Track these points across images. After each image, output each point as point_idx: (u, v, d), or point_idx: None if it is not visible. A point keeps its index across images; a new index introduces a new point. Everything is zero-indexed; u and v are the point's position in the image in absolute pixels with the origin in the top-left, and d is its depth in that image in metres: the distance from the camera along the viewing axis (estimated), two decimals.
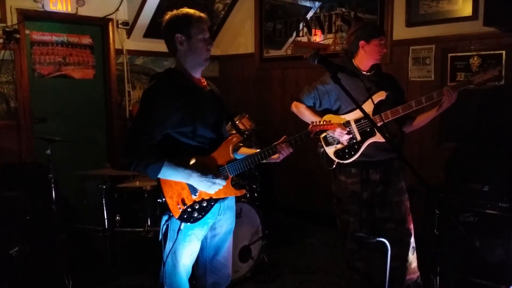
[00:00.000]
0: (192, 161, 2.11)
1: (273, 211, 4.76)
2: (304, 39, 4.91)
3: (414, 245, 2.90)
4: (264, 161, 2.26)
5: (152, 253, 2.41)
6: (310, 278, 3.57)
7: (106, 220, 3.50)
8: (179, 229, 2.13)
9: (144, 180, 3.65)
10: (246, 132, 3.87)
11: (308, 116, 2.93)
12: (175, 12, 2.16)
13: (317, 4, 4.76)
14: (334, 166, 2.88)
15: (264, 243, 3.58)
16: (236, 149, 2.33)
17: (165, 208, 2.14)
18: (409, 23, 4.01)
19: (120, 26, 4.78)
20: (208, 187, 2.09)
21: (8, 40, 4.04)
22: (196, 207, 2.15)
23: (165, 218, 2.18)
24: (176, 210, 2.13)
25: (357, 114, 2.75)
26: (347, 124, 2.78)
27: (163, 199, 2.13)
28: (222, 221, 2.32)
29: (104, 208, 3.50)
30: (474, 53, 3.62)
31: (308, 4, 4.86)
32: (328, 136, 2.83)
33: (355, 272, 2.97)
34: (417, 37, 3.96)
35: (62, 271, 3.26)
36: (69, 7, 4.39)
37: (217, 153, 2.19)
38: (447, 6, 3.75)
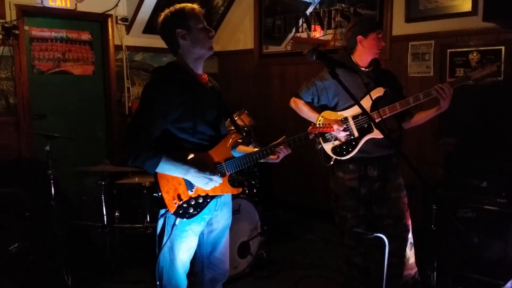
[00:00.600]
0: (190, 157, 2.11)
1: (272, 207, 4.77)
2: (304, 35, 4.90)
3: (412, 241, 2.90)
4: (262, 160, 2.26)
5: (152, 249, 2.41)
6: (309, 274, 3.59)
7: (105, 216, 3.51)
8: (174, 224, 2.13)
9: (143, 176, 3.66)
10: (245, 129, 3.87)
11: (306, 112, 2.93)
12: (167, 10, 2.16)
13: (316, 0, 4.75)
14: (331, 162, 2.88)
15: (263, 239, 3.59)
16: (234, 147, 2.33)
17: (161, 203, 2.14)
18: (409, 19, 4.00)
19: (119, 22, 4.77)
20: (204, 183, 2.09)
21: (7, 36, 4.04)
22: (192, 203, 2.15)
23: (161, 212, 2.18)
24: (172, 205, 2.13)
25: (355, 110, 2.75)
26: (344, 120, 2.77)
27: (159, 194, 2.13)
28: (219, 217, 2.33)
29: (103, 204, 3.51)
30: (473, 48, 3.61)
31: None
32: (326, 132, 2.83)
33: (354, 267, 2.98)
34: (417, 33, 3.95)
35: (61, 267, 3.28)
36: (68, 3, 4.38)
37: (216, 150, 2.19)
38: (446, 1, 3.74)
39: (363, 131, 2.75)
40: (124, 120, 4.85)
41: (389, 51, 4.11)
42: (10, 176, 3.76)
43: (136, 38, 4.91)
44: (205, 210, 2.19)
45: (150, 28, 4.82)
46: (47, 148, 3.37)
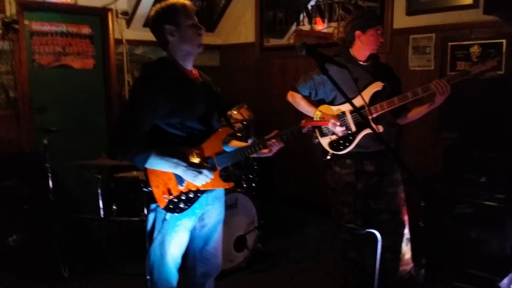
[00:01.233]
0: (180, 152, 2.10)
1: (272, 201, 4.76)
2: (306, 27, 4.86)
3: (409, 236, 2.89)
4: (255, 155, 2.25)
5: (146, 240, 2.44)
6: (306, 268, 3.58)
7: (102, 210, 3.53)
8: (164, 219, 2.13)
9: (141, 170, 3.65)
10: (245, 122, 3.86)
11: (303, 106, 2.91)
12: (158, 5, 2.15)
13: None
14: (328, 157, 2.86)
15: (260, 233, 3.58)
16: (226, 142, 2.32)
17: (151, 198, 2.13)
18: (410, 12, 3.95)
19: (119, 15, 4.77)
20: (193, 177, 2.08)
21: (7, 31, 4.06)
22: (183, 198, 2.14)
23: (152, 207, 2.18)
24: (162, 200, 2.12)
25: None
26: (342, 115, 2.75)
27: (149, 189, 2.12)
28: (211, 212, 2.32)
29: (100, 198, 3.53)
30: (475, 42, 3.56)
31: None
32: (323, 127, 2.81)
33: (349, 262, 2.97)
34: (417, 26, 3.90)
35: (58, 259, 3.30)
36: None
37: (207, 144, 2.18)
38: None
39: (360, 126, 2.73)
40: None
41: (390, 44, 4.07)
42: (9, 169, 3.78)
43: (137, 32, 4.90)
44: (196, 205, 2.18)
45: None
46: (45, 141, 3.39)
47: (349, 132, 2.75)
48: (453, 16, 3.66)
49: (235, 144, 2.33)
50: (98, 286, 3.36)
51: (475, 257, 3.04)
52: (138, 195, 3.51)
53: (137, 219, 3.49)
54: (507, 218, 2.95)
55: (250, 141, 2.31)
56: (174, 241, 2.20)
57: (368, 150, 2.77)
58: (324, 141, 2.83)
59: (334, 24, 4.60)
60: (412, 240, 2.89)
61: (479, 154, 3.21)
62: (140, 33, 4.91)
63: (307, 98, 2.92)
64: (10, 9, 4.08)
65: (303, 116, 2.74)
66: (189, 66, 2.21)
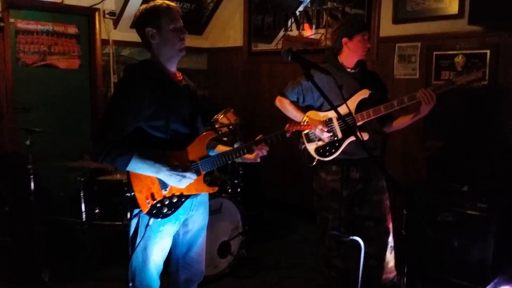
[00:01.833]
0: (163, 155, 2.07)
1: (258, 206, 4.75)
2: (294, 33, 4.87)
3: (393, 244, 2.90)
4: (240, 160, 2.24)
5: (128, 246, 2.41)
6: (290, 274, 3.57)
7: (84, 213, 3.48)
8: (148, 224, 2.10)
9: (124, 173, 3.62)
10: (231, 127, 3.85)
11: (291, 112, 2.92)
12: (143, 6, 2.12)
13: None
14: (314, 163, 2.87)
15: (244, 238, 3.57)
16: (212, 147, 2.31)
17: (134, 203, 2.09)
18: (396, 20, 3.99)
19: (106, 16, 4.72)
20: (178, 181, 2.05)
21: None
22: (166, 202, 2.11)
23: (134, 212, 2.15)
24: (145, 204, 2.08)
25: (340, 111, 2.72)
26: (329, 121, 2.76)
27: (132, 193, 2.08)
28: (195, 217, 2.30)
29: (82, 201, 3.48)
30: (459, 52, 3.60)
31: None
32: (309, 132, 2.82)
33: (333, 269, 2.97)
34: (403, 34, 3.94)
35: (39, 263, 3.24)
36: None
37: (191, 148, 2.16)
38: (433, 3, 3.73)
39: (346, 133, 2.74)
40: None
41: (376, 52, 4.10)
42: None
43: (124, 33, 4.86)
44: (180, 210, 2.16)
45: None
46: (28, 142, 3.33)
47: (336, 138, 2.76)
48: (438, 26, 3.70)
49: (221, 149, 2.31)
50: None
51: (457, 266, 3.07)
52: (121, 199, 3.47)
53: (120, 223, 3.45)
54: (489, 227, 2.98)
55: (236, 145, 2.29)
56: (156, 246, 2.17)
57: (354, 157, 2.78)
58: (311, 147, 2.84)
59: (321, 30, 4.62)
60: (395, 248, 2.90)
61: (463, 163, 3.26)
62: (127, 34, 4.86)
63: (295, 104, 2.93)
64: None
65: (291, 121, 2.74)
66: (173, 68, 2.19)
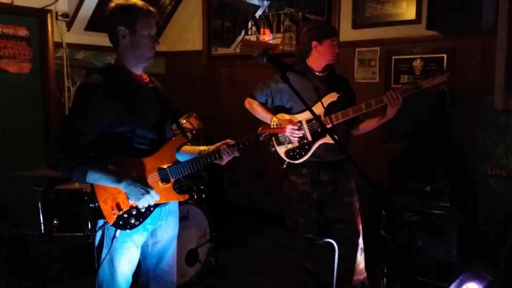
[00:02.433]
0: (125, 164, 1.94)
1: (222, 211, 4.69)
2: (253, 37, 4.87)
3: (362, 246, 2.94)
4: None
5: (93, 259, 2.27)
6: (258, 280, 3.53)
7: (42, 224, 3.28)
8: (114, 236, 1.97)
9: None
10: (194, 132, 3.78)
11: (260, 113, 2.90)
12: (121, 1, 1.99)
13: (265, 3, 4.74)
14: (285, 166, 2.86)
15: (212, 245, 3.50)
16: (178, 148, 2.18)
17: (98, 214, 1.96)
18: (355, 25, 4.07)
19: (59, 18, 4.52)
20: (139, 196, 1.92)
21: None
22: (133, 212, 1.99)
23: (99, 224, 2.02)
24: (111, 216, 1.96)
25: (308, 114, 2.74)
26: (299, 124, 2.76)
27: (96, 204, 1.95)
28: (164, 227, 2.19)
29: (40, 212, 3.28)
30: (417, 56, 3.72)
31: (256, 2, 4.82)
32: (279, 135, 2.81)
33: (303, 271, 2.97)
34: (363, 39, 4.02)
35: None
36: None
37: (159, 154, 2.05)
38: (391, 9, 3.84)
39: (316, 136, 2.75)
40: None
41: (337, 57, 4.14)
42: None
43: (78, 36, 4.68)
44: (148, 220, 2.04)
45: (92, 25, 4.61)
46: None
47: (305, 141, 2.76)
48: (397, 31, 3.81)
49: (187, 149, 2.20)
50: None
51: (423, 264, 3.14)
52: (81, 209, 3.29)
53: (81, 234, 3.27)
54: (452, 226, 3.08)
55: (203, 146, 2.20)
56: (124, 258, 2.05)
57: (324, 160, 2.80)
58: (281, 150, 2.83)
59: (280, 35, 4.64)
60: (372, 249, 2.94)
61: (424, 163, 3.34)
62: (81, 36, 4.69)
63: (264, 105, 2.91)
64: None
65: (252, 125, 2.70)
66: (138, 71, 2.08)
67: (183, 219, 3.24)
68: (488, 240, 3.32)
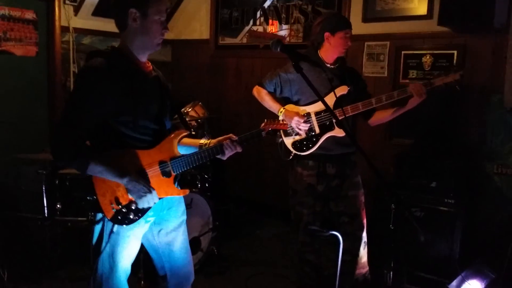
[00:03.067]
0: (126, 157, 1.88)
1: (224, 202, 4.68)
2: (261, 28, 4.84)
3: (366, 240, 2.93)
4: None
5: (90, 252, 2.27)
6: (260, 271, 3.54)
7: (45, 208, 3.28)
8: (112, 231, 1.92)
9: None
10: (199, 120, 3.76)
11: (268, 102, 2.88)
12: None
13: None
14: (291, 157, 2.84)
15: (214, 234, 3.50)
16: (178, 140, 2.12)
17: (96, 207, 1.92)
18: (365, 19, 4.03)
19: (67, 2, 4.47)
20: (141, 194, 1.87)
21: None
22: (132, 207, 1.93)
23: (98, 217, 1.97)
24: (109, 210, 1.90)
25: (317, 106, 2.72)
26: (307, 116, 2.75)
27: (94, 197, 1.90)
28: (168, 216, 2.14)
29: (44, 195, 3.27)
30: (427, 51, 3.69)
31: None
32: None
33: (306, 264, 2.97)
34: (373, 33, 3.99)
35: None
36: None
37: (160, 147, 1.99)
38: (403, 4, 3.80)
39: (324, 128, 2.74)
40: None
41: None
42: None
43: (85, 20, 4.64)
44: (149, 212, 1.98)
45: (100, 10, 4.57)
46: None
47: (313, 133, 2.75)
48: (407, 25, 3.78)
49: (187, 142, 2.15)
50: None
51: (425, 260, 3.14)
52: (85, 194, 3.29)
53: (84, 219, 3.27)
54: (456, 222, 3.07)
55: (204, 139, 2.17)
56: (125, 252, 2.00)
57: (330, 153, 2.78)
58: (288, 141, 2.82)
59: (287, 26, 4.61)
60: (373, 243, 2.93)
61: (430, 160, 3.33)
62: (88, 21, 4.65)
63: (272, 95, 2.89)
64: None
65: (256, 116, 2.69)
66: (143, 58, 2.01)
67: (187, 207, 3.21)
68: (492, 238, 3.32)
